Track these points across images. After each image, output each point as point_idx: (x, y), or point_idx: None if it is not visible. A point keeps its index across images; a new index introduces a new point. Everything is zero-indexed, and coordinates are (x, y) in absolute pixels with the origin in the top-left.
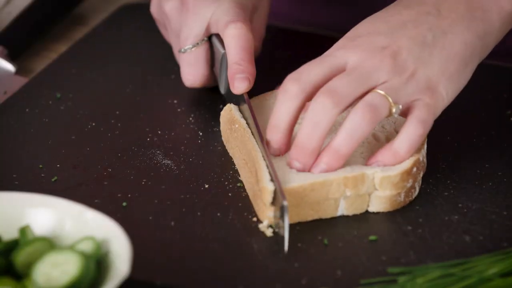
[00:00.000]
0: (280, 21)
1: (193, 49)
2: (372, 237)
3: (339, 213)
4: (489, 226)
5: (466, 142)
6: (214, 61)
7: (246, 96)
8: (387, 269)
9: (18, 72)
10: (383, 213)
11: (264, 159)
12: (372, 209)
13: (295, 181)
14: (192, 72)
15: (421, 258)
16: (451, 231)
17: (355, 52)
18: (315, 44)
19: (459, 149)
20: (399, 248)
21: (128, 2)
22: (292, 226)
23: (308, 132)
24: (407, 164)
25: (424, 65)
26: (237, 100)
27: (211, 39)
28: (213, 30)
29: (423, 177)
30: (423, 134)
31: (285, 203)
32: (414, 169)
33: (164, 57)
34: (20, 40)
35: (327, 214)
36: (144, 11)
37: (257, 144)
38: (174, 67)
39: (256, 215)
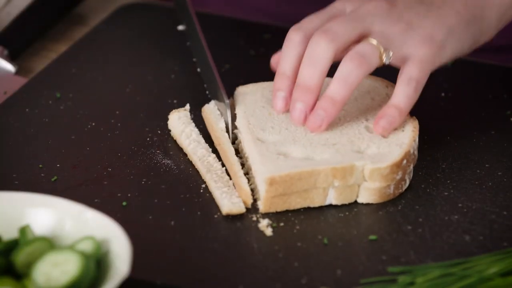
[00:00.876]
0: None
1: None
2: (372, 237)
3: (327, 202)
4: (489, 226)
5: (466, 142)
6: None
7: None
8: (387, 268)
9: (18, 72)
10: (383, 212)
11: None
12: (361, 200)
13: (282, 169)
14: None
15: (421, 257)
16: (451, 231)
17: (353, 2)
18: None
19: (459, 149)
20: (399, 247)
21: (128, 2)
22: (292, 226)
23: (308, 70)
24: (397, 156)
25: (420, 17)
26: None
27: None
28: None
29: (423, 177)
30: (415, 88)
31: (227, 101)
32: (404, 162)
33: (164, 57)
34: (20, 40)
35: (315, 202)
36: (144, 11)
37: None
38: (174, 67)
39: (256, 215)
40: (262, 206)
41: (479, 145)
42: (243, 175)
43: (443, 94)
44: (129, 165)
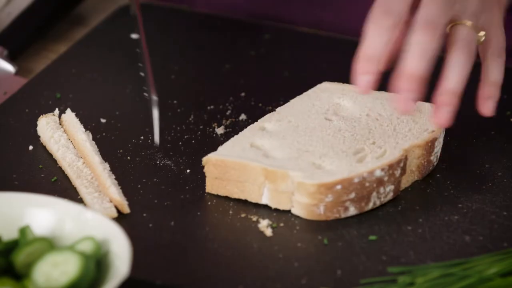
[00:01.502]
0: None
1: None
2: (372, 237)
3: (263, 201)
4: (489, 226)
5: (466, 142)
6: None
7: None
8: (387, 268)
9: (18, 72)
10: (382, 213)
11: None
12: (294, 211)
13: (221, 154)
14: None
15: (421, 258)
16: (451, 231)
17: None
18: (315, 44)
19: (459, 149)
20: (399, 248)
21: (128, 2)
22: (292, 226)
23: (416, 59)
24: (329, 178)
25: None
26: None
27: None
28: None
29: (423, 177)
30: (503, 61)
31: (154, 97)
32: (338, 187)
33: (164, 57)
34: (20, 40)
35: (251, 197)
36: (143, 11)
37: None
38: (174, 67)
39: (256, 215)
40: (206, 186)
41: (479, 145)
42: (111, 184)
43: None
44: (129, 165)
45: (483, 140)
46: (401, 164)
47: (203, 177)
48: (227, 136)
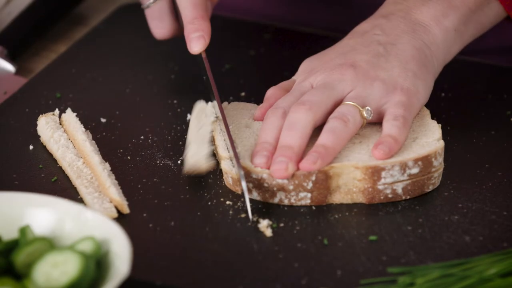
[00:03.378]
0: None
1: (154, 3)
2: (372, 237)
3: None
4: (489, 226)
5: (466, 142)
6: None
7: (204, 55)
8: (387, 269)
9: (18, 72)
10: (383, 213)
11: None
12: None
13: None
14: (159, 25)
15: (421, 258)
16: (451, 231)
17: (316, 76)
18: (315, 44)
19: (459, 149)
20: (399, 248)
21: (128, 2)
22: (292, 227)
23: (288, 133)
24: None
25: (384, 70)
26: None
27: None
28: None
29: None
30: (403, 123)
31: (241, 172)
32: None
33: (164, 57)
34: (20, 40)
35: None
36: (143, 11)
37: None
38: (174, 67)
39: (256, 215)
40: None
41: (479, 145)
42: (111, 184)
43: (443, 94)
44: (129, 165)
45: (483, 140)
46: (312, 178)
47: (202, 177)
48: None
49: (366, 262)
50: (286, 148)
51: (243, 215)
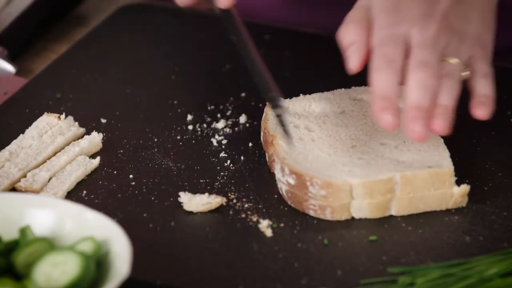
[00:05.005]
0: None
1: None
2: (372, 237)
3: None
4: (489, 226)
5: (466, 142)
6: None
7: (233, 11)
8: (387, 269)
9: (18, 72)
10: None
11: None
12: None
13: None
14: None
15: (421, 258)
16: (451, 231)
17: (407, 25)
18: (315, 44)
19: (459, 149)
20: (399, 248)
21: (128, 2)
22: (292, 227)
23: (421, 94)
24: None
25: (468, 21)
26: (227, 18)
27: None
28: None
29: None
30: (491, 82)
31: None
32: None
33: (164, 57)
34: (20, 40)
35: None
36: (144, 11)
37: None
38: (174, 67)
39: (256, 215)
40: None
41: (479, 145)
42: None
43: None
44: (129, 165)
45: (483, 140)
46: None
47: (202, 177)
48: (226, 137)
49: (366, 262)
50: (422, 110)
51: (243, 215)
